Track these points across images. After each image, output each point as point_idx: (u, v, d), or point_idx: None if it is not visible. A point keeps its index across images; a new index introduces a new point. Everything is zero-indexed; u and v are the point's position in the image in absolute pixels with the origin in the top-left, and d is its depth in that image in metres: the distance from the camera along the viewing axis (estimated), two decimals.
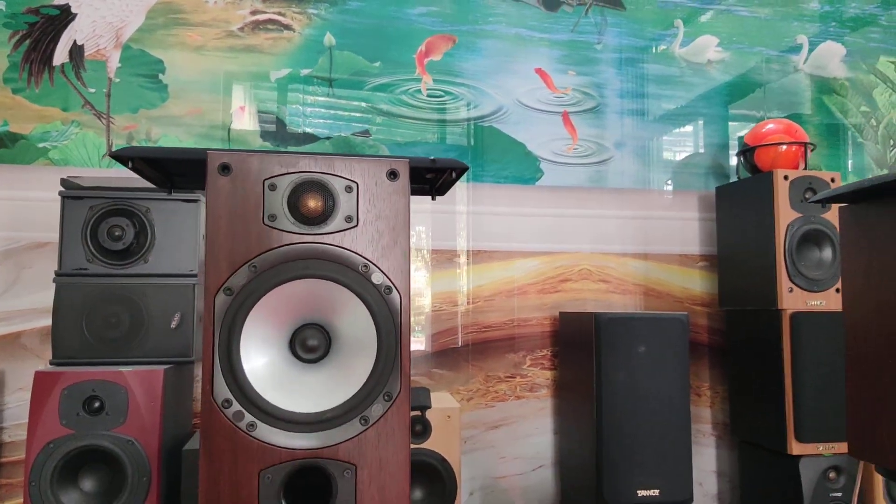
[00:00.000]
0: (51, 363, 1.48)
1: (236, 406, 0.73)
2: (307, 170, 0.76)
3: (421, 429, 1.55)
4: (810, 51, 2.19)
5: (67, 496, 1.37)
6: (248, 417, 0.73)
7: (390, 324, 0.76)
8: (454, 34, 1.99)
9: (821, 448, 1.66)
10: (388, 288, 0.77)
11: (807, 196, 1.73)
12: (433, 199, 1.01)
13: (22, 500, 1.56)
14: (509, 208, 1.98)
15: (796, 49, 2.19)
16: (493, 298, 1.96)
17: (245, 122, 1.87)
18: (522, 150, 2.01)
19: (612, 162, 2.05)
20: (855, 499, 1.14)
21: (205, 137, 1.84)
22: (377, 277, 0.77)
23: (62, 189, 1.52)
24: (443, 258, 1.95)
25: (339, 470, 0.74)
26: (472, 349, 1.95)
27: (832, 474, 1.66)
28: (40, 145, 1.77)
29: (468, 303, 1.94)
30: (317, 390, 0.76)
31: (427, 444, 1.55)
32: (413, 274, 1.93)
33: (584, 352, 1.71)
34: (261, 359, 0.74)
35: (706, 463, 2.04)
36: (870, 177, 0.92)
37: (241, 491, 0.72)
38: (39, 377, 1.40)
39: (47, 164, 1.77)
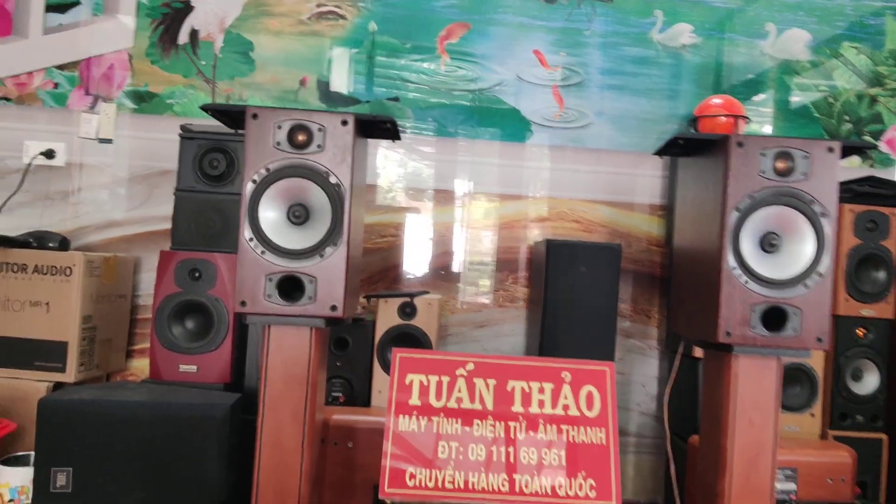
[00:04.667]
0: (170, 248, 2.22)
1: (256, 243, 1.39)
2: (299, 118, 1.40)
3: (410, 311, 2.18)
4: (777, 36, 2.56)
5: (176, 330, 2.12)
6: (261, 248, 1.39)
7: (339, 206, 1.39)
8: (469, 22, 2.55)
9: None
10: (338, 185, 1.39)
11: None
12: (393, 141, 1.62)
13: (148, 331, 2.33)
14: (500, 160, 2.54)
15: (764, 35, 2.57)
16: (485, 230, 2.55)
17: (307, 88, 2.53)
18: (517, 115, 2.55)
19: (591, 127, 2.55)
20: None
21: (279, 99, 2.52)
22: (333, 178, 1.39)
23: (181, 132, 2.23)
24: (447, 197, 2.55)
25: (307, 279, 1.38)
26: (467, 269, 2.55)
27: None
28: (168, 101, 2.53)
29: (466, 232, 2.54)
30: (298, 238, 1.40)
31: (413, 322, 2.18)
32: (437, 210, 2.55)
33: (541, 271, 2.26)
34: (269, 218, 1.39)
35: (651, 370, 2.54)
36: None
37: (256, 288, 1.38)
38: (163, 255, 2.14)
39: (172, 115, 2.52)
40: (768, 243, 1.35)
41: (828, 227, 1.34)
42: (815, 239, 1.34)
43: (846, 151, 1.38)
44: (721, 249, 1.35)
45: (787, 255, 1.36)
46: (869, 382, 2.19)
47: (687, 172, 1.60)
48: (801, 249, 1.36)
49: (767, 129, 2.56)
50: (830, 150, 1.35)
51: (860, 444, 2.13)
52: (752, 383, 1.40)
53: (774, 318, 1.35)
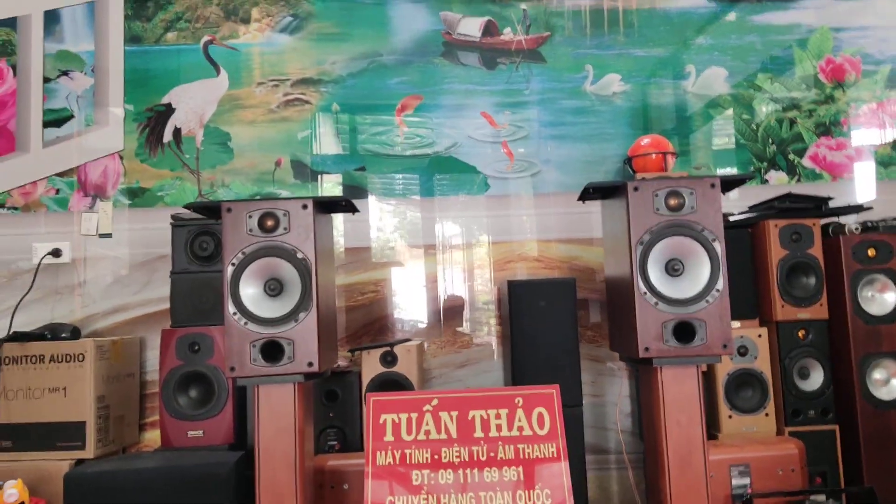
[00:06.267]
0: (171, 326, 2.45)
1: (239, 316, 1.63)
2: (266, 207, 1.65)
3: (391, 359, 2.40)
4: (697, 76, 2.86)
5: (182, 400, 2.33)
6: (244, 319, 1.62)
7: (307, 276, 1.64)
8: (421, 94, 2.85)
9: None
10: (304, 260, 1.64)
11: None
12: (352, 214, 1.88)
13: (158, 404, 2.54)
14: (463, 212, 2.80)
15: (685, 76, 2.86)
16: (456, 277, 2.79)
17: (282, 168, 2.81)
18: (473, 171, 2.82)
19: (540, 174, 2.82)
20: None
21: (257, 181, 2.80)
22: (299, 254, 1.64)
23: (172, 221, 2.49)
24: (418, 251, 2.80)
25: (286, 342, 1.62)
26: (443, 313, 2.78)
27: None
28: (158, 194, 2.81)
29: (438, 280, 2.78)
30: (275, 307, 1.64)
31: (395, 369, 2.39)
32: (413, 263, 2.79)
33: (507, 308, 2.49)
34: (249, 293, 1.64)
35: (622, 389, 2.74)
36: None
37: (243, 354, 1.62)
38: (165, 333, 2.37)
39: (163, 206, 2.79)
40: (672, 268, 1.59)
41: (719, 250, 1.58)
42: (709, 261, 1.58)
43: (727, 185, 1.62)
44: (632, 277, 1.59)
45: (690, 277, 1.60)
46: (815, 379, 2.39)
47: (606, 212, 1.85)
48: (700, 271, 1.59)
49: (698, 159, 2.83)
50: (713, 185, 1.59)
51: (815, 437, 2.32)
52: (676, 389, 1.62)
53: (684, 331, 1.58)
